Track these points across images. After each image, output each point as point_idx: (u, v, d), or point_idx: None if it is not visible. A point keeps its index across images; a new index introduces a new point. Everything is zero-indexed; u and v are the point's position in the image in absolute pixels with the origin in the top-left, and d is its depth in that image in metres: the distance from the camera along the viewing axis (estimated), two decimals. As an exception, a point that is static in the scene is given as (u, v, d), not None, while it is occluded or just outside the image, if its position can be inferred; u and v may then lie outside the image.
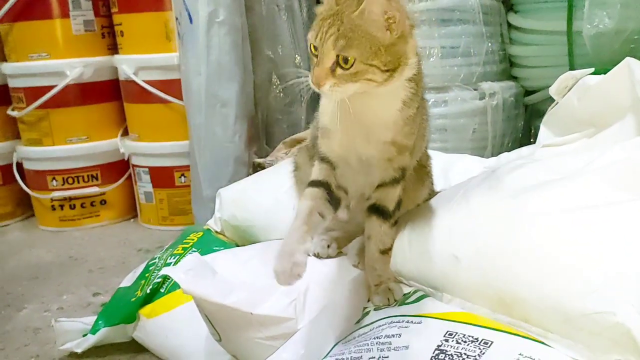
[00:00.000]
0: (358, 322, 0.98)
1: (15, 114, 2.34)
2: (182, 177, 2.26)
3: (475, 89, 1.74)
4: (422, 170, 1.10)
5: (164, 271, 1.11)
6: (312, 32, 0.87)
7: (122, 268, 1.93)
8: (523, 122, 1.87)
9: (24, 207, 2.54)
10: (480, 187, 0.99)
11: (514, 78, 1.90)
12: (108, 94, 2.36)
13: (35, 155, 2.36)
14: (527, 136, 1.87)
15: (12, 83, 2.34)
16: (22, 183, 2.40)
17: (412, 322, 0.85)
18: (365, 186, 1.02)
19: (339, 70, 0.84)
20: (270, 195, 1.33)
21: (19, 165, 2.44)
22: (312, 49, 0.87)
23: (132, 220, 2.49)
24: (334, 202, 1.03)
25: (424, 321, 0.84)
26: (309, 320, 1.02)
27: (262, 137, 2.09)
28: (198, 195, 1.89)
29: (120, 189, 2.44)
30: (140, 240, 2.22)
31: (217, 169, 1.83)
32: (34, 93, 2.26)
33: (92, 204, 2.40)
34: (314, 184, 1.03)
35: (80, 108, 2.32)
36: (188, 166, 2.22)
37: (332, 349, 0.95)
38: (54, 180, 2.36)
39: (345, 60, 0.84)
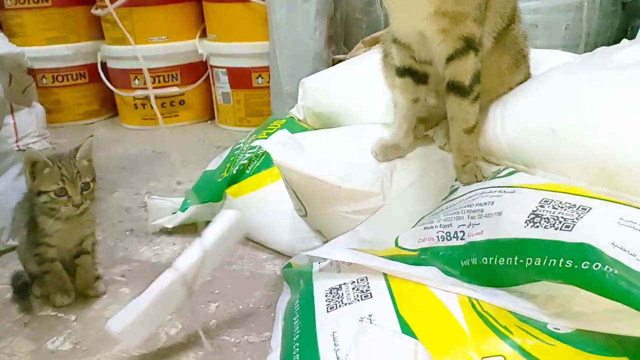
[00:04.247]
0: (445, 198, 0.99)
1: (99, 12, 2.40)
2: (260, 78, 2.28)
3: (571, -18, 1.64)
4: (516, 49, 1.06)
5: (257, 142, 1.15)
6: None
7: (202, 162, 1.99)
8: (619, 21, 1.75)
9: (108, 107, 2.64)
10: (582, 64, 0.95)
11: (614, -28, 1.76)
12: (188, -7, 2.37)
13: (118, 54, 2.42)
14: (622, 36, 1.75)
15: (96, -19, 2.39)
16: (107, 82, 2.49)
17: (505, 191, 0.85)
18: (437, 62, 1.02)
19: None
20: (355, 83, 1.33)
21: (103, 66, 2.52)
22: None
23: (209, 122, 2.56)
24: (422, 78, 1.07)
25: (517, 190, 0.84)
26: (395, 196, 1.04)
27: (340, 37, 2.06)
28: (277, 92, 1.90)
29: (198, 90, 2.49)
30: (219, 139, 2.29)
31: (297, 65, 1.83)
32: (117, -9, 2.30)
33: (171, 104, 2.48)
34: (400, 72, 1.08)
35: (161, 7, 2.36)
36: (265, 67, 2.23)
37: (419, 221, 0.97)
38: (137, 80, 2.43)
39: None
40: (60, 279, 1.11)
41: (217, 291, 1.14)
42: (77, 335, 1.02)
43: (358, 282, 0.83)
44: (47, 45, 2.47)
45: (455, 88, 0.99)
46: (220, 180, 1.36)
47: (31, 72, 2.45)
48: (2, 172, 1.42)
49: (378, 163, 1.07)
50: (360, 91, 1.30)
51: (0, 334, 1.03)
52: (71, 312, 1.09)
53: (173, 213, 1.42)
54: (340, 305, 0.80)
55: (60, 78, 2.54)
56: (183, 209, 1.39)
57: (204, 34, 2.42)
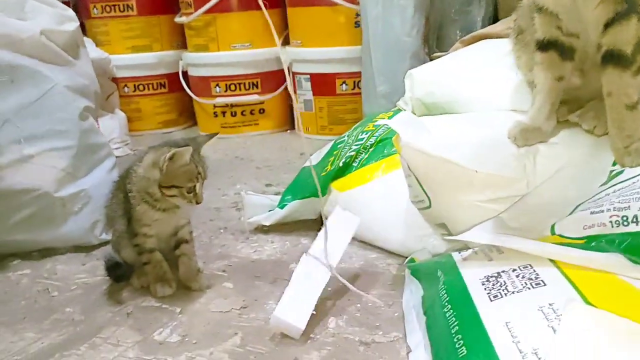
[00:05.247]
0: (604, 184, 0.86)
1: (183, 19, 2.39)
2: (344, 85, 2.20)
3: None
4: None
5: (383, 122, 1.05)
6: None
7: (288, 167, 1.93)
8: None
9: (186, 116, 2.62)
10: None
11: None
12: (272, -1, 2.34)
13: (201, 61, 2.40)
14: None
15: (182, -11, 2.39)
16: (187, 89, 2.47)
17: (700, 166, 0.72)
18: (590, 31, 0.90)
19: None
20: (474, 68, 1.22)
21: (184, 75, 2.51)
22: None
23: (287, 131, 2.50)
24: (568, 53, 0.96)
25: None
26: (540, 182, 0.91)
27: (433, 39, 1.96)
28: (370, 93, 1.81)
29: (277, 99, 2.44)
30: (301, 147, 2.21)
31: (393, 64, 1.74)
32: (202, -2, 2.30)
33: (251, 112, 2.43)
34: (543, 46, 0.97)
35: (245, 13, 2.32)
36: (350, 73, 2.16)
37: (576, 207, 0.84)
38: (217, 87, 2.40)
39: None
40: (160, 268, 1.04)
41: (329, 288, 1.03)
42: (184, 327, 0.93)
43: (521, 270, 0.71)
44: (130, 53, 2.48)
45: (615, 58, 0.87)
46: (323, 174, 1.27)
47: (114, 80, 2.47)
48: (97, 164, 1.38)
49: (517, 148, 0.95)
50: (482, 76, 1.19)
51: (102, 324, 0.96)
52: (175, 304, 1.01)
53: (269, 210, 1.33)
54: (506, 294, 0.68)
55: (141, 87, 2.54)
56: (281, 205, 1.31)
57: (285, 42, 2.38)
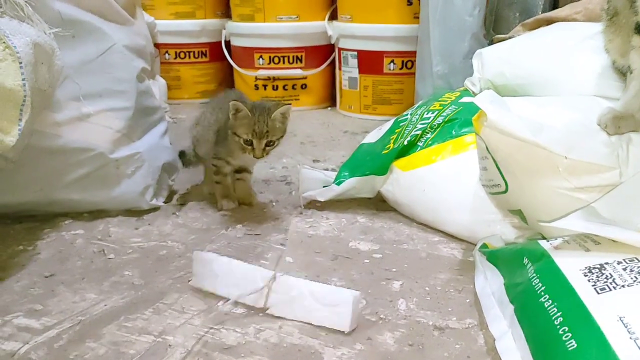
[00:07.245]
0: None
1: (231, -12, 2.35)
2: (392, 64, 2.14)
3: None
4: None
5: (467, 99, 1.00)
6: None
7: (333, 144, 1.90)
8: None
9: (226, 87, 2.57)
10: None
11: None
12: (323, -30, 2.29)
13: (245, 31, 2.36)
14: None
15: (230, -44, 2.34)
16: (230, 59, 2.43)
17: None
18: None
19: None
20: (554, 50, 1.16)
21: (227, 44, 2.47)
22: None
23: (328, 108, 2.45)
24: None
25: None
26: (634, 173, 0.86)
27: (490, 22, 1.89)
28: (425, 72, 1.76)
29: (321, 75, 2.39)
30: (343, 124, 2.17)
31: (452, 44, 1.68)
32: (251, -34, 2.25)
33: (293, 87, 2.38)
34: None
35: (294, -16, 2.28)
36: (399, 52, 2.11)
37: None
38: (261, 59, 2.35)
39: None
40: (227, 189, 1.28)
41: (394, 269, 1.00)
42: (248, 299, 0.90)
43: (628, 263, 0.67)
44: (174, 19, 2.45)
45: None
46: (385, 152, 1.23)
47: (156, 46, 2.43)
48: (150, 127, 1.35)
49: (608, 135, 0.90)
50: (561, 59, 1.13)
51: (164, 289, 0.93)
52: (237, 274, 0.98)
53: (324, 186, 1.30)
54: (614, 287, 0.64)
55: (182, 54, 2.51)
56: (338, 182, 1.27)
57: (332, 17, 2.32)
